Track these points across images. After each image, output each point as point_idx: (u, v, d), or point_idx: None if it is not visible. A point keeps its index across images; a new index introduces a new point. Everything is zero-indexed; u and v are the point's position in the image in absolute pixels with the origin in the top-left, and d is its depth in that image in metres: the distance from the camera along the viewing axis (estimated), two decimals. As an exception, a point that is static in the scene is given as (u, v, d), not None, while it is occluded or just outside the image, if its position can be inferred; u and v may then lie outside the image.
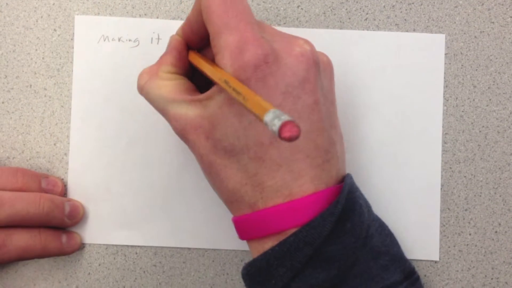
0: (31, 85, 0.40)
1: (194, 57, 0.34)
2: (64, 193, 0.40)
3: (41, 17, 0.40)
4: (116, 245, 0.40)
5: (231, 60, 0.29)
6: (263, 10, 0.40)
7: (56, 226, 0.38)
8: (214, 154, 0.31)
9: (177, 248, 0.40)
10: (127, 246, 0.40)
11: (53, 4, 0.40)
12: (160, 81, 0.33)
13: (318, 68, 0.31)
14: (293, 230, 0.30)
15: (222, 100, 0.30)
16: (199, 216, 0.39)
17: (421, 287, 0.34)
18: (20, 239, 0.36)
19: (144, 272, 0.40)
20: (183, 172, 0.40)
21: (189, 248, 0.40)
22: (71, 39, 0.40)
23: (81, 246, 0.40)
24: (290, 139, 0.23)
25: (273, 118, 0.23)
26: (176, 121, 0.32)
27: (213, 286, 0.39)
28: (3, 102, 0.40)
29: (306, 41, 0.32)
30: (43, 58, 0.40)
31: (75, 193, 0.40)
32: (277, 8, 0.40)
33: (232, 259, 0.39)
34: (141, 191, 0.40)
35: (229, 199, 0.32)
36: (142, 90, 0.34)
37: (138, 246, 0.40)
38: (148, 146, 0.40)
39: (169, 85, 0.33)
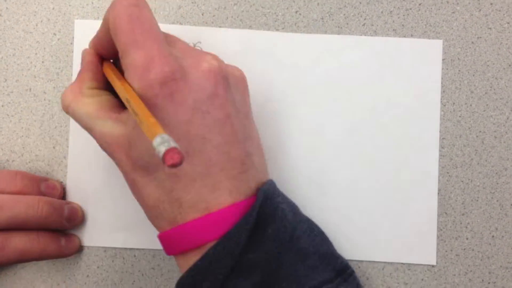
0: (30, 89, 0.40)
1: (107, 70, 0.35)
2: (63, 196, 0.40)
3: (41, 21, 0.41)
4: (115, 248, 0.40)
5: (137, 77, 0.30)
6: (261, 15, 0.40)
7: (55, 228, 0.38)
8: (135, 172, 0.32)
9: (175, 251, 0.40)
10: (126, 248, 0.40)
11: (53, 8, 0.41)
12: (84, 99, 0.34)
13: (228, 83, 0.32)
14: (214, 243, 0.30)
15: (135, 120, 0.30)
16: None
17: (355, 281, 0.34)
18: (19, 242, 0.36)
19: (142, 274, 0.40)
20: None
21: (187, 252, 0.40)
22: (71, 43, 0.40)
23: (80, 249, 0.40)
24: (172, 166, 0.24)
25: (160, 144, 0.24)
26: (101, 139, 0.32)
27: None
28: (2, 106, 0.40)
29: (214, 57, 0.32)
30: (42, 62, 0.40)
31: (74, 196, 0.40)
32: (275, 13, 0.40)
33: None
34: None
35: (151, 215, 0.33)
36: (67, 110, 0.34)
37: (137, 248, 0.40)
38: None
39: (93, 103, 0.33)
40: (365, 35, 0.40)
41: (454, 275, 0.39)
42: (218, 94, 0.31)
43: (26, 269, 0.40)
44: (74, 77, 0.40)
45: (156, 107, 0.30)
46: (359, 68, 0.40)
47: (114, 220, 0.40)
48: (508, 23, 0.40)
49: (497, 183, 0.39)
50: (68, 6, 0.41)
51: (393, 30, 0.40)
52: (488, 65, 0.40)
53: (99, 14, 0.40)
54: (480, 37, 0.40)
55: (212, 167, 0.31)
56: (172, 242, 0.32)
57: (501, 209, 0.39)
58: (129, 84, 0.31)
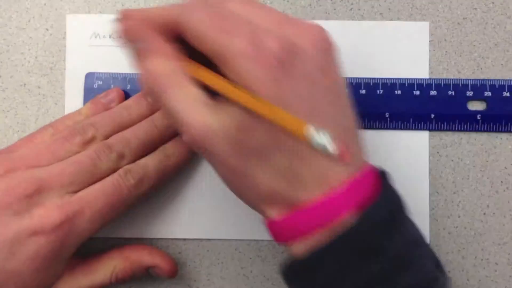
0: (25, 84, 0.41)
1: (195, 70, 0.30)
2: None
3: (33, 17, 0.41)
4: (113, 238, 0.40)
5: (250, 61, 0.27)
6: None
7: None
8: (243, 159, 0.29)
9: (172, 239, 0.40)
10: (124, 238, 0.40)
11: (45, 4, 0.41)
12: (181, 80, 0.30)
13: (333, 50, 0.30)
14: (339, 221, 0.29)
15: None
16: (193, 208, 0.40)
17: (446, 273, 0.33)
18: (153, 163, 0.36)
19: (141, 263, 0.40)
20: (176, 164, 0.40)
21: (184, 239, 0.40)
22: (63, 38, 0.41)
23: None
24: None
25: (317, 133, 0.25)
26: (196, 130, 0.29)
27: (209, 275, 0.40)
28: (-2, 102, 0.41)
29: (316, 24, 0.30)
30: (36, 57, 0.41)
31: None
32: (263, 1, 0.41)
33: (227, 248, 0.40)
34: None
35: (265, 201, 0.30)
36: (160, 97, 0.30)
37: (134, 238, 0.40)
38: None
39: (194, 90, 0.29)
40: (352, 19, 0.41)
41: (447, 253, 0.40)
42: (327, 62, 0.29)
43: (27, 262, 0.40)
44: (67, 71, 0.41)
45: (281, 84, 0.28)
46: (348, 52, 0.40)
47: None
48: (493, 3, 0.40)
49: (487, 161, 0.40)
50: (59, 1, 0.41)
51: (380, 14, 0.40)
52: (474, 45, 0.40)
53: (90, 8, 0.41)
54: (466, 18, 0.40)
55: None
56: (294, 226, 0.29)
57: (491, 187, 0.40)
58: (239, 82, 0.28)
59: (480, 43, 0.40)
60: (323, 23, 0.40)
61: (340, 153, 0.23)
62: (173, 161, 0.37)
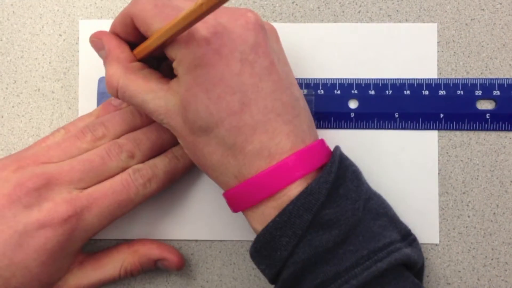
0: (39, 89, 0.42)
1: (138, 51, 0.35)
2: None
3: (47, 23, 0.42)
4: (126, 240, 0.41)
5: (183, 43, 0.31)
6: (259, 7, 0.41)
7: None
8: (193, 134, 0.32)
9: (185, 240, 0.41)
10: (136, 239, 0.41)
11: (58, 10, 0.42)
12: (131, 76, 0.34)
13: (265, 32, 0.33)
14: (284, 194, 0.32)
15: (188, 81, 0.31)
16: (205, 209, 0.41)
17: (418, 246, 0.35)
18: (163, 165, 0.37)
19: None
20: (187, 166, 0.41)
21: (196, 240, 0.41)
22: (76, 43, 0.42)
23: (94, 242, 0.41)
24: None
25: None
26: (156, 112, 0.33)
27: (221, 276, 0.41)
28: (13, 106, 0.42)
29: (249, 10, 0.33)
30: (50, 62, 0.42)
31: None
32: (272, 4, 0.41)
33: (238, 250, 0.41)
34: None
35: (215, 173, 0.33)
36: (117, 91, 0.34)
37: (147, 239, 0.41)
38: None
39: (141, 77, 0.34)
40: (361, 22, 0.41)
41: (458, 252, 0.40)
42: (260, 44, 0.32)
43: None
44: (80, 76, 0.41)
45: (208, 64, 0.31)
46: (357, 54, 0.41)
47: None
48: (501, 3, 0.41)
49: (496, 161, 0.40)
50: (72, 7, 0.42)
51: (388, 16, 0.41)
52: (482, 46, 0.40)
53: (102, 13, 0.42)
54: (474, 19, 0.41)
55: (269, 114, 0.32)
56: (242, 197, 0.32)
57: (501, 186, 0.40)
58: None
59: (488, 44, 0.40)
60: (331, 26, 0.41)
61: None
62: (182, 163, 0.38)
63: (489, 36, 0.40)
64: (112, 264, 0.37)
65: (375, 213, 0.34)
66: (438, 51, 0.40)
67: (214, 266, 0.41)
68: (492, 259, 0.40)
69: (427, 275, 0.40)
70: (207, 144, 0.32)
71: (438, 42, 0.40)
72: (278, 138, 0.32)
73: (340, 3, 0.41)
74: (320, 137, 0.35)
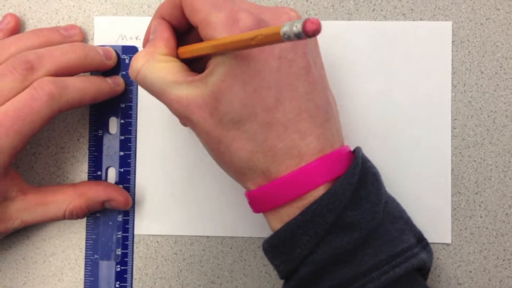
0: (54, 84, 0.42)
1: (183, 50, 0.35)
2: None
3: (62, 19, 0.42)
4: (138, 235, 0.41)
5: (226, 31, 0.30)
6: (273, 4, 0.41)
7: (96, 70, 0.40)
8: (221, 128, 0.32)
9: (197, 236, 0.41)
10: (149, 235, 0.41)
11: (73, 6, 0.42)
12: (157, 64, 0.33)
13: None
14: (309, 195, 0.31)
15: (223, 72, 0.31)
16: (217, 205, 0.41)
17: (431, 251, 0.35)
18: (76, 82, 0.37)
19: (165, 260, 0.41)
20: (201, 162, 0.41)
21: (208, 236, 0.41)
22: (91, 39, 0.42)
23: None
24: (315, 32, 0.24)
25: (291, 27, 0.24)
26: (178, 103, 0.32)
27: (232, 272, 0.41)
28: (28, 101, 0.42)
29: (292, 9, 0.33)
30: (65, 57, 0.42)
31: (98, 185, 0.41)
32: (286, 2, 0.41)
33: (250, 246, 0.41)
34: (160, 181, 0.41)
35: (241, 171, 0.33)
36: (137, 75, 0.33)
37: (159, 235, 0.41)
38: (166, 138, 0.41)
39: (167, 67, 0.33)
40: (375, 20, 0.41)
41: (469, 253, 0.40)
42: (299, 44, 0.32)
43: (55, 257, 0.42)
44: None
45: (247, 57, 0.30)
46: (371, 52, 0.40)
47: (137, 209, 0.41)
48: (517, 3, 0.40)
49: (510, 162, 0.40)
50: (87, 3, 0.42)
51: (403, 14, 0.41)
52: (497, 46, 0.40)
53: (117, 10, 0.42)
54: (489, 18, 0.40)
55: (302, 113, 0.31)
56: (269, 197, 0.32)
57: (514, 187, 0.40)
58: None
59: (503, 44, 0.40)
60: (346, 24, 0.41)
61: (306, 26, 0.24)
62: (95, 85, 0.38)
63: (504, 35, 0.40)
64: (57, 205, 0.38)
65: (393, 216, 0.34)
66: (452, 50, 0.40)
67: (225, 262, 0.41)
68: (503, 260, 0.40)
69: (438, 275, 0.40)
70: (236, 138, 0.32)
71: (452, 41, 0.40)
72: (309, 139, 0.32)
73: (354, 1, 0.41)
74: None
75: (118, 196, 0.39)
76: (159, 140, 0.41)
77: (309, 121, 0.32)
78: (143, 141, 0.41)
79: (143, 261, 0.41)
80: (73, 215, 0.38)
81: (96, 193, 0.39)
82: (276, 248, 0.33)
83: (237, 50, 0.30)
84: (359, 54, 0.41)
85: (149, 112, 0.41)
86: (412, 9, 0.41)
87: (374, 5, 0.41)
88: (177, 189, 0.41)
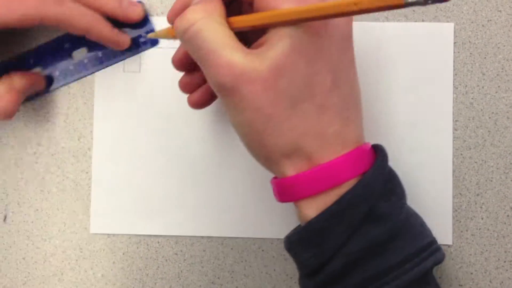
0: (55, 84, 0.42)
1: (237, 20, 0.31)
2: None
3: (64, 18, 0.42)
4: (139, 235, 0.41)
5: (294, 2, 0.29)
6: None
7: (110, 15, 0.39)
8: (275, 105, 0.30)
9: (197, 237, 0.41)
10: (149, 235, 0.41)
11: (75, 5, 0.42)
12: (216, 24, 0.30)
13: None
14: (347, 184, 0.31)
15: (288, 47, 0.29)
16: (218, 206, 0.41)
17: (442, 253, 0.34)
18: (75, 6, 0.37)
19: (166, 260, 0.41)
20: (202, 162, 0.41)
21: (208, 237, 0.41)
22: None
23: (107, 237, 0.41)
24: None
25: None
26: (229, 70, 0.29)
27: (232, 273, 0.41)
28: (29, 101, 0.42)
29: None
30: (66, 57, 0.42)
31: (99, 186, 0.41)
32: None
33: (250, 247, 0.41)
34: (162, 182, 0.41)
35: (285, 153, 0.31)
36: (193, 25, 0.30)
37: (160, 235, 0.41)
38: (168, 138, 0.41)
39: (225, 30, 0.30)
40: (376, 21, 0.41)
41: (470, 254, 0.40)
42: (351, 36, 0.32)
43: (55, 257, 0.41)
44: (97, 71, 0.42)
45: (314, 34, 0.29)
46: (372, 54, 0.40)
47: (138, 208, 0.41)
48: (518, 5, 0.40)
49: (511, 163, 0.40)
50: (88, 3, 0.42)
51: (404, 15, 0.41)
52: (499, 47, 0.40)
53: (119, 9, 0.42)
54: (491, 20, 0.40)
55: (350, 101, 0.32)
56: (311, 182, 0.31)
57: (515, 189, 0.40)
58: None
59: (505, 45, 0.40)
60: (347, 25, 0.40)
61: None
62: (93, 19, 0.38)
63: (506, 37, 0.40)
64: None
65: (413, 212, 0.34)
66: (454, 52, 0.40)
67: (225, 263, 0.41)
68: (505, 262, 0.40)
69: (439, 277, 0.40)
70: (290, 117, 0.30)
71: (454, 43, 0.40)
72: (352, 126, 0.32)
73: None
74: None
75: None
76: (162, 139, 0.41)
77: (355, 108, 0.32)
78: (146, 140, 0.41)
79: (144, 262, 0.41)
80: None
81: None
82: (307, 240, 0.32)
83: (314, 19, 0.28)
84: (360, 55, 0.40)
85: (156, 114, 0.41)
86: (414, 10, 0.41)
87: (376, 6, 0.41)
88: (178, 189, 0.41)
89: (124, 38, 0.40)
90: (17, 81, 0.38)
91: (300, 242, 0.32)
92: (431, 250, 0.32)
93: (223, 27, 0.30)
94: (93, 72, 0.41)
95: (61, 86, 0.42)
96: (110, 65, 0.41)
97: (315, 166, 0.31)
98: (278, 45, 0.29)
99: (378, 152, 0.33)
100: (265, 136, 0.30)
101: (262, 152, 0.32)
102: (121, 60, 0.41)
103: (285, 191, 0.32)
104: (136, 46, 0.41)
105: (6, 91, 0.37)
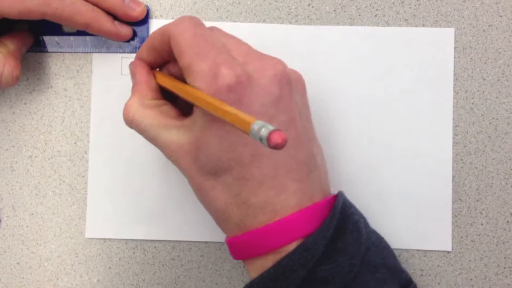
0: (52, 86, 0.42)
1: (162, 79, 0.35)
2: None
3: (60, 20, 0.42)
4: (136, 240, 0.41)
5: (205, 84, 0.30)
6: (275, 9, 0.41)
7: (112, 11, 0.40)
8: (201, 176, 0.32)
9: (195, 242, 0.41)
10: (146, 240, 0.41)
11: (72, 7, 0.42)
12: (146, 111, 0.34)
13: (291, 86, 0.32)
14: (284, 249, 0.31)
15: (203, 123, 0.31)
16: (215, 211, 0.40)
17: None
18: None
19: (163, 265, 0.41)
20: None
21: (206, 242, 0.41)
22: None
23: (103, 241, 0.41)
24: (279, 146, 0.23)
25: (259, 129, 0.24)
26: (168, 148, 0.33)
27: (230, 278, 0.40)
28: (25, 103, 0.41)
29: (279, 61, 0.33)
30: (63, 60, 0.42)
31: (95, 190, 0.41)
32: (288, 6, 0.41)
33: (249, 252, 0.40)
34: (158, 187, 0.41)
35: (218, 219, 0.33)
36: (131, 124, 0.34)
37: (157, 240, 0.41)
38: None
39: (156, 113, 0.34)
40: (377, 26, 0.41)
41: (470, 260, 0.40)
42: (283, 98, 0.32)
43: (51, 262, 0.41)
44: (93, 74, 0.41)
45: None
46: (373, 58, 0.40)
47: (135, 213, 0.41)
48: (519, 10, 0.40)
49: (511, 169, 0.40)
50: (86, 5, 0.42)
51: (405, 20, 0.40)
52: (499, 52, 0.40)
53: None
54: (491, 25, 0.40)
55: (279, 170, 0.31)
56: (243, 247, 0.32)
57: (515, 195, 0.40)
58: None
59: (505, 50, 0.40)
60: (347, 29, 0.40)
61: (271, 139, 0.24)
62: (94, 13, 0.38)
63: (507, 42, 0.40)
64: None
65: (373, 266, 0.33)
66: (454, 57, 0.40)
67: (223, 269, 0.40)
68: (504, 268, 0.39)
69: (438, 283, 0.39)
70: (213, 188, 0.32)
71: (454, 48, 0.40)
72: (285, 194, 0.31)
73: (356, 6, 0.41)
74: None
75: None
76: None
77: (287, 176, 0.32)
78: (143, 144, 0.41)
79: (140, 267, 0.41)
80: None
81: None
82: None
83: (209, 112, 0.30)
84: (361, 60, 0.40)
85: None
86: (414, 15, 0.40)
87: (377, 10, 0.41)
88: (175, 194, 0.41)
89: (125, 29, 0.40)
90: (10, 44, 0.39)
91: None
92: None
93: (154, 110, 0.34)
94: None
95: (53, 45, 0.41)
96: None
97: (244, 233, 0.32)
98: (197, 121, 0.32)
99: (331, 210, 0.32)
100: (201, 201, 0.34)
101: (208, 213, 0.34)
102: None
103: (229, 250, 0.34)
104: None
105: (5, 57, 0.38)
